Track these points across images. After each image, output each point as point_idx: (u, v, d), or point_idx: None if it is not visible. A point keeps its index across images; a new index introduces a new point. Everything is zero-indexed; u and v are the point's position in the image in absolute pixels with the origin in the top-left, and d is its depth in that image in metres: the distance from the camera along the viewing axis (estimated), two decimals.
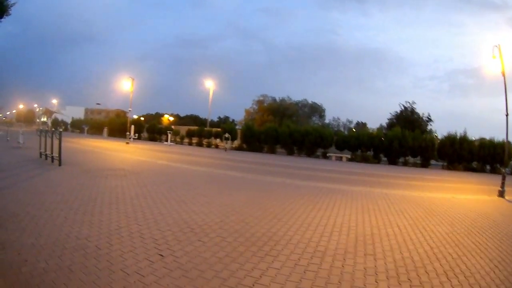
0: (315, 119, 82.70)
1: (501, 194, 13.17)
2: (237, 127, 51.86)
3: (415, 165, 33.24)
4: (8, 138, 26.37)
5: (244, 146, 40.22)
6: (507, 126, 14.14)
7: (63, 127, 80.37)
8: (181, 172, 13.80)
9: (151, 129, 54.04)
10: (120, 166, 14.54)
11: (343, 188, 12.14)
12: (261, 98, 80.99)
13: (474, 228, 7.14)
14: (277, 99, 79.79)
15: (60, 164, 13.08)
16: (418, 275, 4.20)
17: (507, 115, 14.14)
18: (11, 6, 4.52)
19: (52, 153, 14.09)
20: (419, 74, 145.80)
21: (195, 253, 4.55)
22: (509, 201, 12.29)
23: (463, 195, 13.08)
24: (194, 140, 47.18)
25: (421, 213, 8.43)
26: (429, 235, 6.23)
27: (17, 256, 4.12)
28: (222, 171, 15.21)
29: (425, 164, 33.28)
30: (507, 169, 14.31)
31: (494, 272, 4.50)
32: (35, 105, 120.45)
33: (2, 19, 4.56)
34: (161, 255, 4.41)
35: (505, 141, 15.16)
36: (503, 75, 14.45)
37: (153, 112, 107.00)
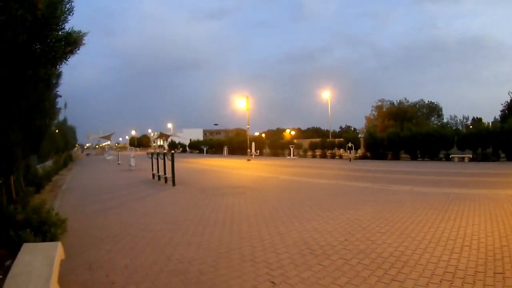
0: (434, 119, 77.51)
1: None
2: (359, 135, 50.79)
3: None
4: (119, 162, 27.70)
5: (368, 154, 39.14)
6: None
7: (181, 149, 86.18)
8: (304, 186, 13.62)
9: (272, 145, 55.64)
10: (239, 183, 14.71)
11: (469, 193, 11.37)
12: (379, 103, 79.14)
13: None
14: (395, 102, 76.84)
15: (174, 184, 13.50)
16: None
17: None
18: (84, 36, 5.27)
19: (165, 174, 14.53)
20: None
21: (312, 279, 4.23)
22: None
23: None
24: (318, 152, 47.30)
25: None
26: None
27: (104, 278, 4.08)
28: (346, 183, 14.94)
29: None
30: None
31: None
32: (149, 130, 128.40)
33: (76, 51, 5.33)
34: (273, 282, 4.11)
35: None
36: None
37: (274, 128, 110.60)
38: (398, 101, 78.83)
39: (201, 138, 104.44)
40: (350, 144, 38.06)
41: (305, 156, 48.23)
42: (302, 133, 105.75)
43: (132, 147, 79.48)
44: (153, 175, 16.19)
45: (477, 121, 64.76)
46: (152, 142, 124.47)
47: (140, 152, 45.41)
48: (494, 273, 4.63)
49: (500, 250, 5.47)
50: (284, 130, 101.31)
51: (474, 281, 4.36)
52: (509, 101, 46.45)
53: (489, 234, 6.37)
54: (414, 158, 35.70)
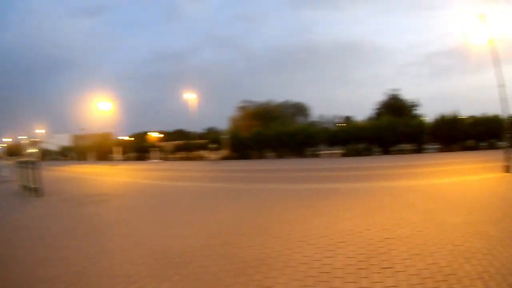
0: (301, 119, 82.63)
1: (508, 169, 12.86)
2: (224, 136, 51.34)
3: (409, 151, 32.92)
4: None
5: (232, 154, 39.43)
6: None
7: (51, 156, 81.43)
8: (167, 191, 13.26)
9: (137, 148, 53.44)
10: (102, 190, 13.99)
11: (341, 187, 11.57)
12: (244, 105, 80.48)
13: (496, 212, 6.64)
14: (262, 103, 79.29)
15: (39, 195, 12.57)
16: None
17: (501, 86, 13.76)
18: None
19: (32, 184, 13.62)
20: (399, 61, 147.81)
21: None
22: None
23: (469, 176, 12.74)
24: (182, 154, 46.73)
25: (431, 204, 7.85)
26: (450, 230, 5.61)
27: None
28: (210, 184, 14.71)
29: (419, 150, 32.91)
30: (504, 142, 13.88)
31: None
32: (19, 137, 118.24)
33: None
34: None
35: (502, 113, 14.65)
36: (491, 45, 14.05)
37: (142, 131, 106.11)
38: (264, 102, 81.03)
39: (70, 143, 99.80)
40: (213, 145, 38.03)
41: (170, 158, 47.94)
42: (168, 136, 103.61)
43: (8, 156, 74.45)
44: (22, 185, 14.83)
45: (348, 119, 70.73)
46: (25, 150, 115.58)
47: (11, 161, 40.63)
48: (382, 268, 4.21)
49: (384, 243, 5.14)
50: (150, 133, 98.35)
51: (357, 280, 3.88)
52: (383, 101, 51.00)
53: (368, 227, 6.10)
54: (280, 156, 36.92)
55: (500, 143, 28.01)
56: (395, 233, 5.60)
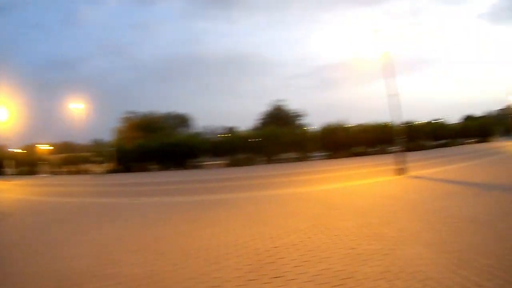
0: (184, 130, 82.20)
1: (400, 172, 13.75)
2: (111, 148, 48.68)
3: (293, 160, 34.04)
4: None
5: (117, 167, 37.35)
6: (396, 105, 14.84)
7: None
8: (56, 207, 12.15)
9: (27, 162, 48.29)
10: None
11: (224, 198, 11.19)
12: (128, 115, 77.36)
13: (389, 213, 6.81)
14: (146, 114, 77.11)
15: None
16: None
17: (392, 95, 14.79)
18: None
19: None
20: (286, 73, 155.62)
21: None
22: (413, 177, 12.77)
23: (359, 180, 13.19)
24: (70, 168, 43.42)
25: (320, 210, 7.82)
26: (341, 234, 5.51)
27: None
28: (94, 199, 13.83)
29: (303, 158, 34.25)
30: (395, 147, 14.91)
31: None
32: None
33: None
34: None
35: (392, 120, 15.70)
36: (383, 57, 15.04)
37: (33, 143, 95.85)
38: (147, 113, 79.13)
39: None
40: (99, 158, 36.00)
41: (58, 172, 43.93)
42: (57, 148, 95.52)
43: None
44: None
45: (231, 130, 71.12)
46: None
47: None
48: (272, 278, 3.91)
49: (272, 252, 4.83)
50: (39, 145, 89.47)
51: None
52: (269, 111, 52.30)
53: (254, 237, 5.77)
54: (165, 168, 35.77)
55: (389, 148, 30.27)
56: (283, 241, 5.35)
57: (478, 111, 74.47)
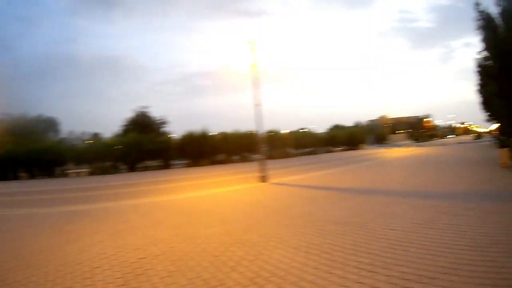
0: (52, 135, 75.58)
1: (262, 179, 14.37)
2: None
3: (156, 168, 33.69)
4: None
5: None
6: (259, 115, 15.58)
7: None
8: None
9: None
10: None
11: (88, 209, 10.64)
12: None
13: (251, 220, 6.98)
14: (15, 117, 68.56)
15: None
16: None
17: (257, 105, 15.48)
18: None
19: None
20: (156, 79, 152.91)
21: None
22: (275, 184, 13.40)
23: (223, 187, 13.51)
24: None
25: (183, 218, 7.90)
26: (205, 242, 5.59)
27: None
28: None
29: (166, 166, 34.16)
30: (259, 155, 15.67)
31: None
32: None
33: None
34: None
35: (257, 129, 16.38)
36: (253, 69, 15.67)
37: None
38: (19, 116, 70.84)
39: None
40: None
41: None
42: None
43: None
44: None
45: (96, 136, 67.03)
46: None
47: None
48: None
49: (139, 264, 4.72)
50: None
51: None
52: (132, 118, 49.92)
53: (120, 249, 5.59)
54: (32, 176, 32.42)
55: (253, 156, 31.57)
56: (148, 251, 5.28)
57: (349, 122, 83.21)
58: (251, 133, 31.65)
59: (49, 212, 10.41)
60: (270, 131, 35.75)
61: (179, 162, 35.89)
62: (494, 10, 13.85)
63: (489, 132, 54.39)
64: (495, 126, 31.70)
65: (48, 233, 7.31)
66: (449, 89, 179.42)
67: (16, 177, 32.13)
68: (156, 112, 50.62)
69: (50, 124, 75.99)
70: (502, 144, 14.66)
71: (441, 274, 3.55)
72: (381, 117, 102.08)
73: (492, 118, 26.46)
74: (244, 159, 34.39)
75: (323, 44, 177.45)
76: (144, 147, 33.25)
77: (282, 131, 42.31)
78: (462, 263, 3.79)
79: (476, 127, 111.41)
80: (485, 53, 15.93)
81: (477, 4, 14.07)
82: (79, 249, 5.76)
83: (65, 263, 4.97)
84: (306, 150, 44.22)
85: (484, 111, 26.85)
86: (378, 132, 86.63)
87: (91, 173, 32.02)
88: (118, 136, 44.11)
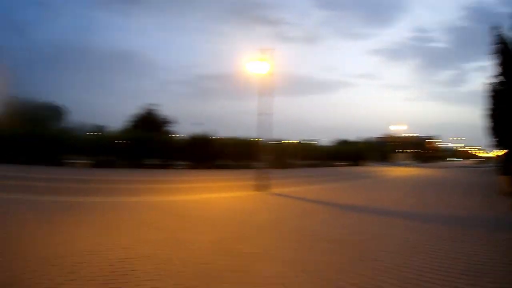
0: (57, 123, 75.43)
1: (261, 188, 14.13)
2: None
3: (157, 166, 33.34)
4: None
5: None
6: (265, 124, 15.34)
7: None
8: None
9: None
10: None
11: (82, 201, 10.36)
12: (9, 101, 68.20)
13: (240, 230, 6.90)
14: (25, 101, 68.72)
15: None
16: None
17: (263, 113, 15.31)
18: None
19: None
20: (168, 78, 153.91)
21: None
22: (274, 194, 13.14)
23: (217, 193, 13.22)
24: None
25: (175, 221, 7.75)
26: (195, 248, 5.45)
27: None
28: None
29: (167, 166, 33.90)
30: (260, 163, 15.52)
31: None
32: None
33: None
34: None
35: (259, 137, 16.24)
36: (265, 77, 15.47)
37: None
38: (27, 100, 70.81)
39: None
40: None
41: None
42: None
43: None
44: None
45: (100, 128, 66.77)
46: None
47: None
48: None
49: (126, 263, 4.58)
50: None
51: None
52: (140, 114, 49.78)
53: (108, 246, 5.42)
54: (31, 162, 31.94)
55: (254, 163, 31.24)
56: (136, 252, 5.12)
57: (354, 137, 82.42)
58: (255, 141, 31.44)
59: (41, 200, 10.13)
60: (275, 140, 35.60)
61: (180, 163, 35.72)
62: (510, 35, 13.69)
63: (492, 158, 53.94)
64: (500, 152, 31.30)
65: (38, 221, 7.16)
66: (456, 111, 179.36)
67: (12, 161, 31.67)
68: (164, 110, 50.58)
69: (57, 112, 75.89)
70: (503, 171, 14.41)
71: None
72: (385, 135, 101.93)
73: (500, 144, 26.11)
74: (246, 166, 34.18)
75: (337, 58, 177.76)
76: (147, 144, 33.16)
77: (287, 141, 42.00)
78: None
79: (481, 152, 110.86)
80: (500, 78, 15.47)
81: (494, 28, 13.92)
82: (65, 241, 5.59)
83: (49, 255, 4.82)
84: (309, 162, 43.87)
85: (492, 136, 26.52)
86: (382, 150, 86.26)
87: (88, 165, 31.66)
88: (123, 131, 43.87)
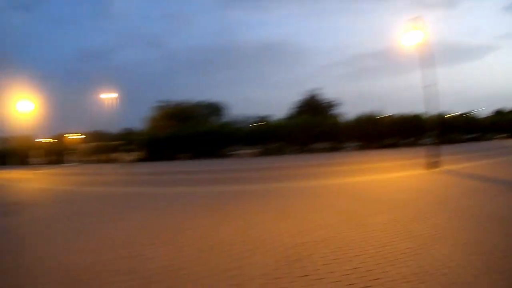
0: (217, 118, 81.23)
1: (432, 166, 13.22)
2: (140, 137, 48.73)
3: (325, 150, 33.13)
4: None
5: (147, 156, 37.58)
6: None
7: None
8: (76, 198, 11.70)
9: (56, 152, 49.13)
10: (15, 198, 12.26)
11: (254, 189, 10.86)
12: (160, 104, 77.19)
13: (420, 212, 6.31)
14: (178, 103, 76.56)
15: None
16: None
17: (428, 86, 14.21)
18: None
19: None
20: (322, 62, 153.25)
21: None
22: (447, 172, 12.25)
23: (390, 173, 12.74)
24: (99, 156, 43.97)
25: (350, 204, 7.48)
26: (371, 230, 5.22)
27: None
28: (122, 189, 13.62)
29: (335, 148, 33.35)
30: (428, 139, 14.32)
31: None
32: None
33: None
34: None
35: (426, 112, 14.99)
36: (420, 47, 14.49)
37: (63, 133, 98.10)
38: (180, 102, 78.14)
39: None
40: (129, 147, 36.19)
41: (88, 161, 44.61)
42: (88, 137, 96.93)
43: None
44: None
45: (264, 118, 69.95)
46: None
47: None
48: (298, 276, 3.66)
49: (300, 249, 4.56)
50: (69, 135, 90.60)
51: None
52: (303, 100, 50.78)
53: (282, 231, 5.49)
54: (195, 157, 35.08)
55: (422, 141, 29.12)
56: (311, 236, 5.09)
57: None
58: (420, 116, 29.22)
59: (211, 191, 11.00)
60: (439, 114, 32.95)
61: (349, 145, 35.42)
62: None
63: None
64: None
65: (208, 212, 7.56)
66: None
67: (177, 158, 35.15)
68: (326, 94, 50.70)
69: (215, 109, 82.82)
70: None
71: None
72: None
73: None
74: (412, 144, 32.17)
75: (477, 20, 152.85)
76: (314, 129, 33.52)
77: (449, 115, 38.31)
78: None
79: None
80: None
81: None
82: (237, 229, 5.82)
83: (220, 242, 5.05)
84: (471, 136, 39.52)
85: None
86: None
87: (259, 154, 33.20)
88: (288, 118, 45.31)
